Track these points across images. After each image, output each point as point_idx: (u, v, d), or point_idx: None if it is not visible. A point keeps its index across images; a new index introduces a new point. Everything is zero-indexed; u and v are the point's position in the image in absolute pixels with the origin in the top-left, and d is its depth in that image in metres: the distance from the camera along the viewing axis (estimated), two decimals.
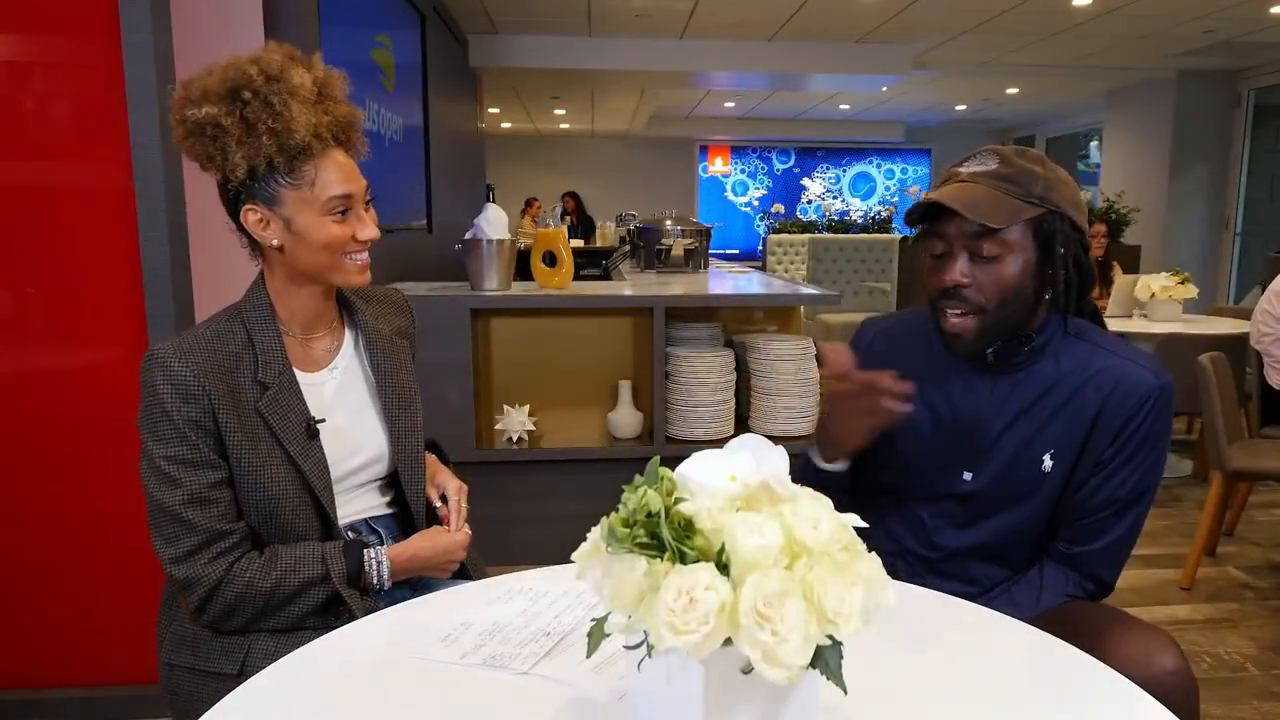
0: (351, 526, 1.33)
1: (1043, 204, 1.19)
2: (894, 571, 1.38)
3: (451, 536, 1.34)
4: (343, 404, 1.32)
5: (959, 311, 1.22)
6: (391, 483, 1.40)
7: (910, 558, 1.37)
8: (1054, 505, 1.27)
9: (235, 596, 1.16)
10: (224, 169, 1.18)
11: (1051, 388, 1.25)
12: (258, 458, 1.19)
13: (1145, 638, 1.09)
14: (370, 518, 1.36)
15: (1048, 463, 1.24)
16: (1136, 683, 0.90)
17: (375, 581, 1.25)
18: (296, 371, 1.26)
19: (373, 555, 1.25)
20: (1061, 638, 1.01)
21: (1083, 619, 1.18)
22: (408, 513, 1.39)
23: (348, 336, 1.36)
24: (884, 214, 9.22)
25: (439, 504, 1.40)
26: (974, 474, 1.28)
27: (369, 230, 1.26)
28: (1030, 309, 1.23)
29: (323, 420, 1.26)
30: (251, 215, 1.21)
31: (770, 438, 0.81)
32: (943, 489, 1.31)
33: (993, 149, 1.24)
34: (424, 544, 1.31)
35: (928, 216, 1.24)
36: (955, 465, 1.29)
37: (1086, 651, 0.98)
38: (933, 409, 1.31)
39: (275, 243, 1.22)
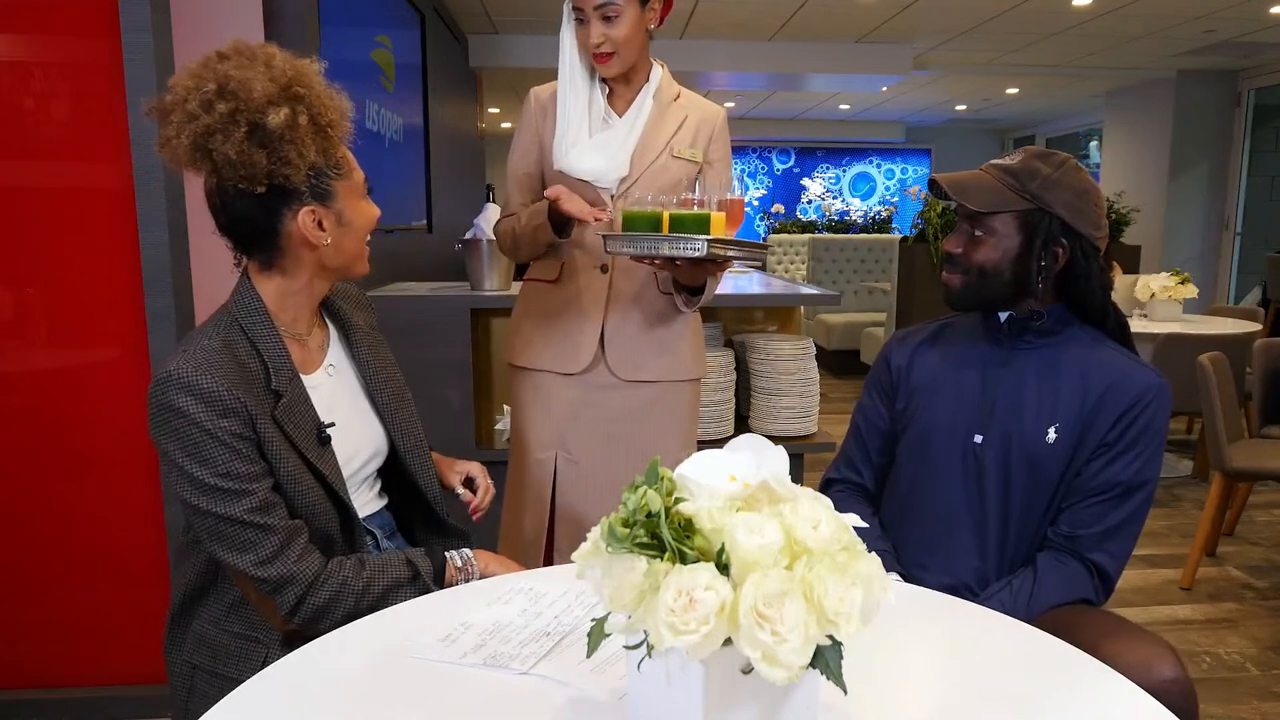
0: None
1: (1033, 200, 1.30)
2: (898, 556, 1.42)
3: (515, 564, 1.35)
4: (343, 403, 1.30)
5: (951, 271, 1.40)
6: (379, 476, 1.39)
7: (917, 537, 1.40)
8: (1056, 483, 1.32)
9: (330, 595, 1.13)
10: (293, 175, 1.12)
11: (1061, 368, 1.35)
12: (287, 466, 1.15)
13: (1145, 646, 1.10)
14: (364, 516, 1.33)
15: (1051, 435, 1.32)
16: None
17: (473, 574, 1.27)
18: (300, 375, 1.23)
19: (458, 555, 1.28)
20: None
21: (1081, 625, 1.18)
22: (399, 505, 1.40)
23: (331, 332, 1.34)
24: (884, 214, 9.20)
25: (463, 490, 1.40)
26: (984, 437, 1.36)
27: (377, 209, 1.28)
28: (1014, 289, 1.34)
29: (332, 424, 1.23)
30: (310, 218, 1.16)
31: (770, 437, 0.81)
32: (957, 452, 1.38)
33: (1027, 148, 1.37)
34: (494, 561, 1.33)
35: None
36: (968, 428, 1.38)
37: None
38: (956, 378, 1.42)
39: (329, 241, 1.19)
